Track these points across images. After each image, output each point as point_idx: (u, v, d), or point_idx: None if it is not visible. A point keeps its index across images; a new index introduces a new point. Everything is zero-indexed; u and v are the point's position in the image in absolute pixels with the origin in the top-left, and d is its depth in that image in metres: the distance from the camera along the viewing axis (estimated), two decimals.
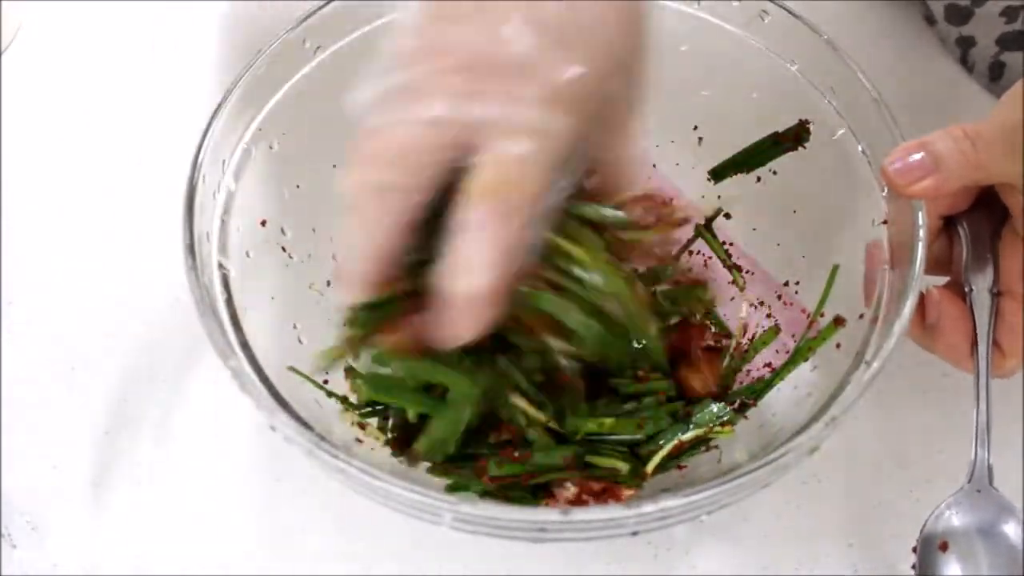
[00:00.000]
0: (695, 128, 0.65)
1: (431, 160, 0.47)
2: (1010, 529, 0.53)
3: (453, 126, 0.47)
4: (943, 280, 0.57)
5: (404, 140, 0.48)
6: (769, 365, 0.61)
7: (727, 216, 0.65)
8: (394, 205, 0.48)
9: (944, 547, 0.54)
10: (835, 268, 0.59)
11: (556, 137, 0.48)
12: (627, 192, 0.54)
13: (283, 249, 0.61)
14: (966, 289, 0.55)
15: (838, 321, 0.57)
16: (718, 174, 0.64)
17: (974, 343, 0.54)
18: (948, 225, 0.57)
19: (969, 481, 0.54)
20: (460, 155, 0.47)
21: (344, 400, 0.57)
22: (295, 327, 0.59)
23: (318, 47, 0.61)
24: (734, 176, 0.64)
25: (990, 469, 0.54)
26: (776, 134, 0.62)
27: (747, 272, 0.65)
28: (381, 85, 0.48)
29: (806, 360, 0.58)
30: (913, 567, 0.55)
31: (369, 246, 0.49)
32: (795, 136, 0.61)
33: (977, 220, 0.56)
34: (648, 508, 0.47)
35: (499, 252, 0.47)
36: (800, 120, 0.61)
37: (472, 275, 0.47)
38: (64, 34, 0.80)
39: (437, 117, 0.47)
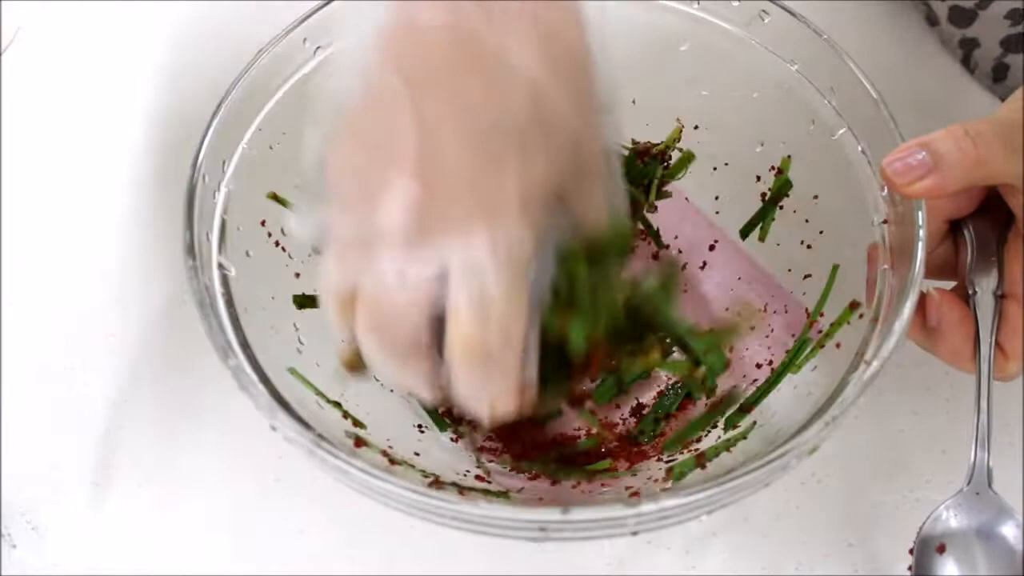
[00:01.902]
0: (696, 128, 0.65)
1: (420, 308, 0.47)
2: (1008, 531, 0.53)
3: (419, 275, 0.46)
4: (945, 284, 0.57)
5: (386, 307, 0.47)
6: (770, 363, 0.61)
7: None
8: (417, 358, 0.48)
9: (942, 549, 0.54)
10: (835, 268, 0.59)
11: (517, 252, 0.46)
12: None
13: (283, 249, 0.61)
14: (970, 291, 0.55)
15: (853, 305, 0.57)
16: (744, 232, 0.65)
17: (976, 346, 0.54)
18: (953, 230, 0.57)
19: (968, 483, 0.54)
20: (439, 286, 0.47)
21: (338, 405, 0.57)
22: (295, 327, 0.59)
23: (318, 47, 0.61)
24: (734, 174, 0.65)
25: (990, 472, 0.54)
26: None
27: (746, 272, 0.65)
28: (324, 226, 0.48)
29: (823, 347, 0.58)
30: (909, 568, 0.55)
31: (426, 383, 0.49)
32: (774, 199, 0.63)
33: (982, 223, 0.56)
34: (648, 508, 0.47)
35: (508, 383, 0.48)
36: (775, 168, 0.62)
37: (494, 408, 0.49)
38: (64, 34, 0.80)
39: (399, 270, 0.46)
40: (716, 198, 0.66)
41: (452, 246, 0.45)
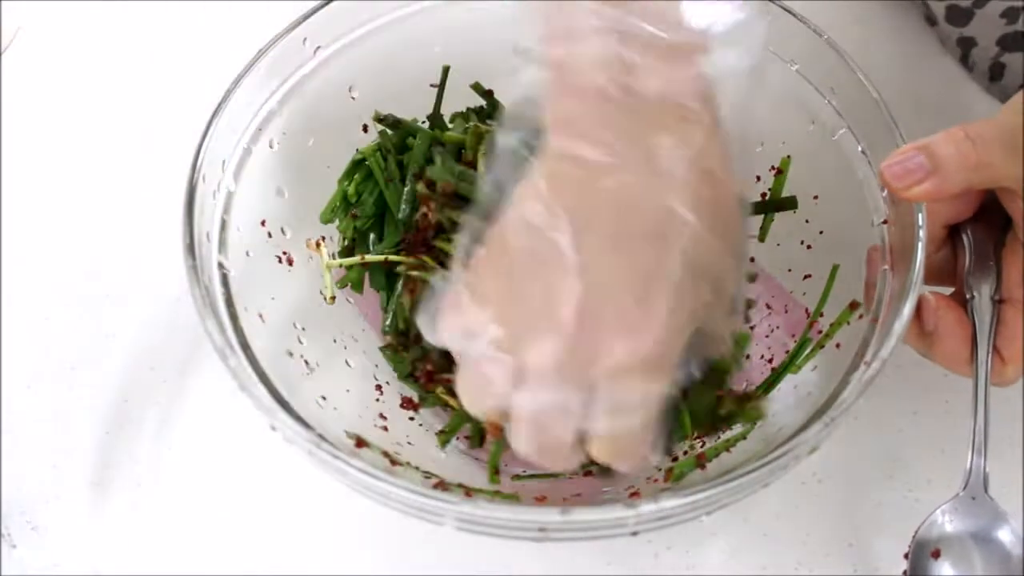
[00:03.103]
0: None
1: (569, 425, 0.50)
2: (1004, 536, 0.53)
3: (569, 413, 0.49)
4: (944, 290, 0.57)
5: (542, 427, 0.50)
6: (770, 361, 0.61)
7: None
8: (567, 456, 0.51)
9: (937, 554, 0.54)
10: (835, 268, 0.59)
11: (656, 401, 0.50)
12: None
13: (284, 253, 0.61)
14: (967, 296, 0.55)
15: (853, 305, 0.57)
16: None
17: (972, 350, 0.54)
18: (952, 235, 0.57)
19: (964, 488, 0.54)
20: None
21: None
22: (295, 327, 0.59)
23: (318, 47, 0.61)
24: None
25: (986, 477, 0.54)
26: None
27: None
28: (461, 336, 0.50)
29: (823, 347, 0.58)
30: (905, 573, 0.55)
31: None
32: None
33: (981, 228, 0.56)
34: (648, 508, 0.47)
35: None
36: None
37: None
38: (64, 34, 0.80)
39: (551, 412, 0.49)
40: None
41: (603, 384, 0.48)
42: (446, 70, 0.65)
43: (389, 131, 0.63)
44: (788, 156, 0.63)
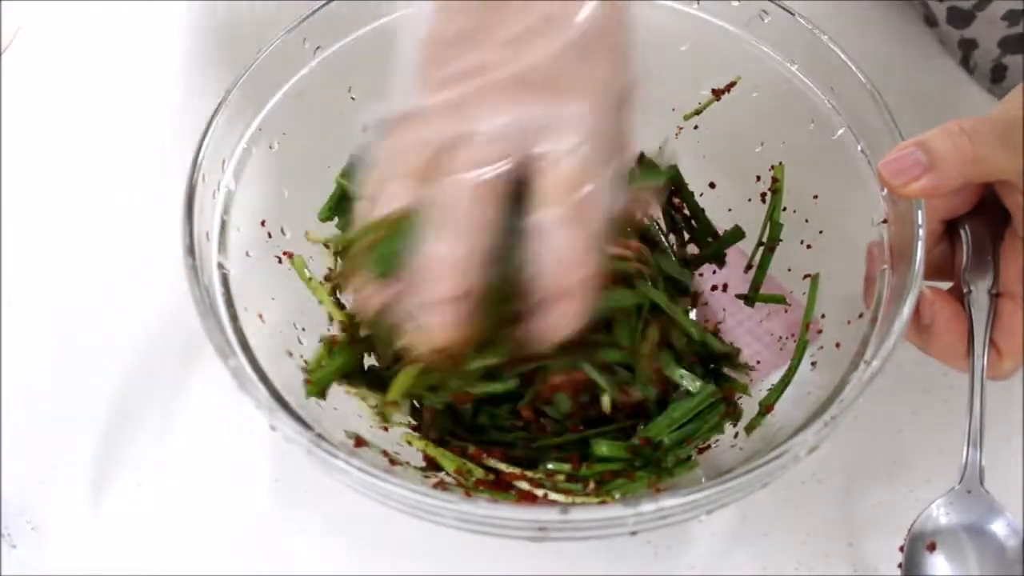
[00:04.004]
0: (696, 128, 0.65)
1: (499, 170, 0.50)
2: (999, 529, 0.53)
3: (509, 137, 0.49)
4: (942, 285, 0.57)
5: (472, 156, 0.49)
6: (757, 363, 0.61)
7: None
8: (481, 215, 0.50)
9: (932, 547, 0.54)
10: (816, 277, 0.60)
11: (602, 137, 0.50)
12: None
13: (284, 253, 0.61)
14: (964, 290, 0.55)
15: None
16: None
17: (968, 343, 0.54)
18: (950, 230, 0.57)
19: (960, 482, 0.54)
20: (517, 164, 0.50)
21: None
22: (295, 327, 0.59)
23: (318, 47, 0.61)
24: (734, 174, 0.65)
25: (982, 470, 0.54)
26: None
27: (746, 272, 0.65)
28: (411, 103, 0.51)
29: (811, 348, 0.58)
30: (899, 566, 0.55)
31: (467, 256, 0.50)
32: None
33: (978, 223, 0.56)
34: (647, 507, 0.47)
35: (590, 243, 0.50)
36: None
37: (575, 268, 0.49)
38: (64, 34, 0.80)
39: (494, 131, 0.49)
40: (717, 196, 0.66)
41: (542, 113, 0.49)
42: None
43: None
44: (780, 162, 0.63)
